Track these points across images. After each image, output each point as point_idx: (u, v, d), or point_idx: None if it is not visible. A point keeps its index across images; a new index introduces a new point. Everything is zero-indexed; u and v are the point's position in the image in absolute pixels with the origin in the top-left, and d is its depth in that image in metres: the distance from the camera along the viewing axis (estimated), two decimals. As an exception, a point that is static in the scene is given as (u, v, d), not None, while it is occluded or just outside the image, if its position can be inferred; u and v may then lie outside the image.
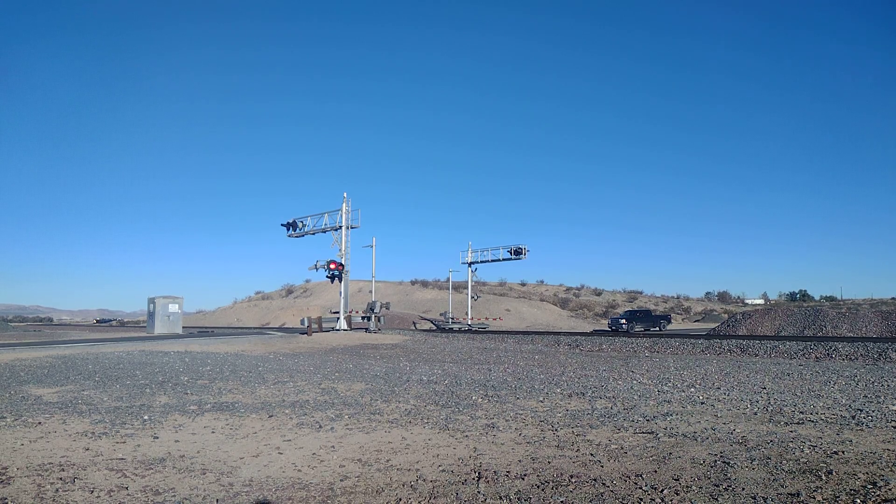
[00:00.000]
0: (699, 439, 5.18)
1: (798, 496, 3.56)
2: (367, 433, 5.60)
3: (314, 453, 4.85)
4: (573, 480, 3.99)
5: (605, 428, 5.76)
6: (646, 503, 3.53)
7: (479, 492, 3.79)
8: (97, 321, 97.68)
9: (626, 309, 54.49)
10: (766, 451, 4.67)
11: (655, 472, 4.17)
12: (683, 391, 8.53)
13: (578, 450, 4.87)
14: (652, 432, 5.52)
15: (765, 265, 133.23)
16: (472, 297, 38.71)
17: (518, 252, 35.89)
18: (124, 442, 5.21)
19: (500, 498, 3.66)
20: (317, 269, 29.36)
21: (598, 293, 75.43)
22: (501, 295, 66.15)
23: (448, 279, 41.59)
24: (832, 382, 9.64)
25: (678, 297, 74.57)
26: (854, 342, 16.34)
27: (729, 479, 3.94)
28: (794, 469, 4.15)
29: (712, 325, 43.86)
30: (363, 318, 31.05)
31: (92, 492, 3.84)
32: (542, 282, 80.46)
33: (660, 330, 38.75)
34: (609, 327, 39.95)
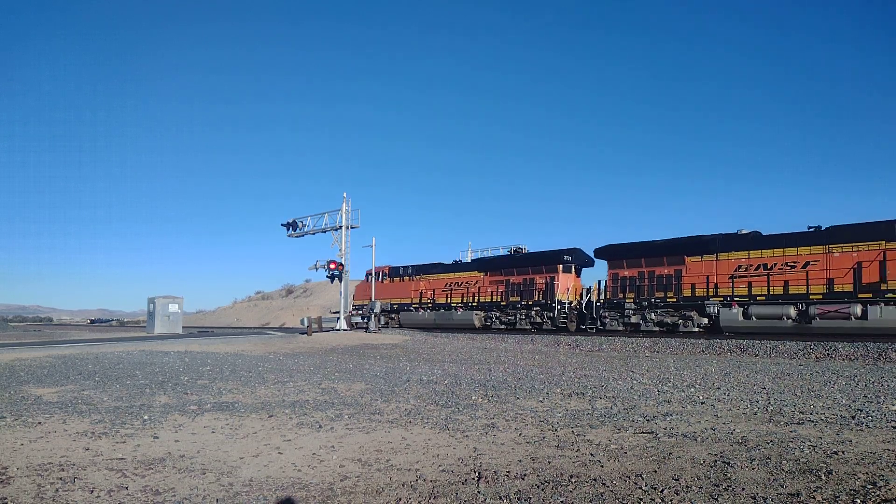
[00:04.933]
0: (699, 439, 5.18)
1: (798, 496, 3.56)
2: (367, 433, 5.60)
3: (314, 453, 4.85)
4: (573, 480, 3.99)
5: (605, 428, 5.76)
6: (646, 503, 3.53)
7: (479, 492, 3.79)
8: (91, 321, 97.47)
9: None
10: (766, 451, 4.67)
11: (655, 472, 4.17)
12: (683, 391, 8.52)
13: (578, 450, 4.87)
14: (652, 432, 5.52)
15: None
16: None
17: (518, 252, 35.81)
18: (124, 442, 5.21)
19: (500, 498, 3.66)
20: (317, 269, 29.38)
21: (598, 293, 75.33)
22: (501, 295, 66.03)
23: (448, 279, 41.54)
24: (832, 382, 9.63)
25: (678, 297, 74.38)
26: (854, 342, 16.33)
27: (729, 479, 3.94)
28: (794, 469, 4.15)
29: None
30: (363, 318, 31.05)
31: (92, 492, 3.84)
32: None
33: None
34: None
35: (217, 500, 3.70)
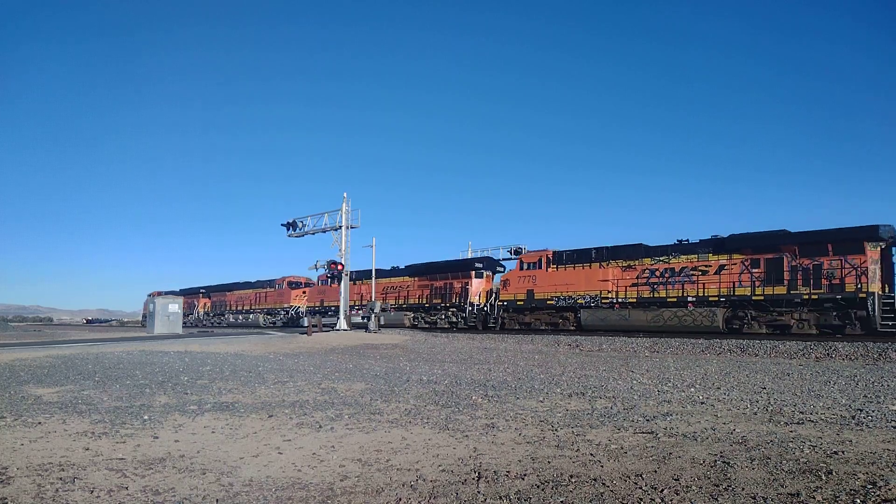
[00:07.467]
0: (699, 439, 5.18)
1: (798, 496, 3.56)
2: (367, 433, 5.60)
3: (314, 453, 4.85)
4: (573, 480, 3.99)
5: (605, 428, 5.76)
6: (646, 503, 3.53)
7: (478, 492, 3.79)
8: (87, 321, 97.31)
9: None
10: (766, 451, 4.66)
11: (655, 472, 4.17)
12: (683, 391, 8.52)
13: (578, 450, 4.87)
14: (652, 432, 5.52)
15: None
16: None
17: (518, 252, 35.82)
18: (124, 442, 5.21)
19: (500, 498, 3.66)
20: (317, 269, 29.39)
21: (598, 293, 75.31)
22: (501, 295, 65.96)
23: (447, 279, 41.79)
24: (832, 382, 9.63)
25: (678, 297, 74.38)
26: (854, 342, 16.33)
27: (729, 479, 3.94)
28: (794, 469, 4.15)
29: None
30: (363, 318, 31.05)
31: (92, 492, 3.84)
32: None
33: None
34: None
35: (217, 500, 3.70)
